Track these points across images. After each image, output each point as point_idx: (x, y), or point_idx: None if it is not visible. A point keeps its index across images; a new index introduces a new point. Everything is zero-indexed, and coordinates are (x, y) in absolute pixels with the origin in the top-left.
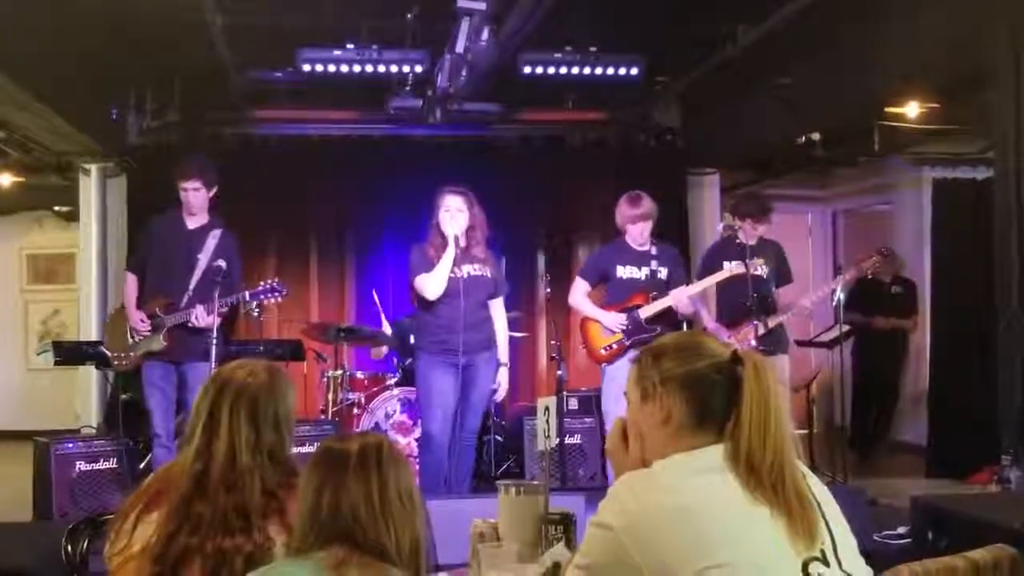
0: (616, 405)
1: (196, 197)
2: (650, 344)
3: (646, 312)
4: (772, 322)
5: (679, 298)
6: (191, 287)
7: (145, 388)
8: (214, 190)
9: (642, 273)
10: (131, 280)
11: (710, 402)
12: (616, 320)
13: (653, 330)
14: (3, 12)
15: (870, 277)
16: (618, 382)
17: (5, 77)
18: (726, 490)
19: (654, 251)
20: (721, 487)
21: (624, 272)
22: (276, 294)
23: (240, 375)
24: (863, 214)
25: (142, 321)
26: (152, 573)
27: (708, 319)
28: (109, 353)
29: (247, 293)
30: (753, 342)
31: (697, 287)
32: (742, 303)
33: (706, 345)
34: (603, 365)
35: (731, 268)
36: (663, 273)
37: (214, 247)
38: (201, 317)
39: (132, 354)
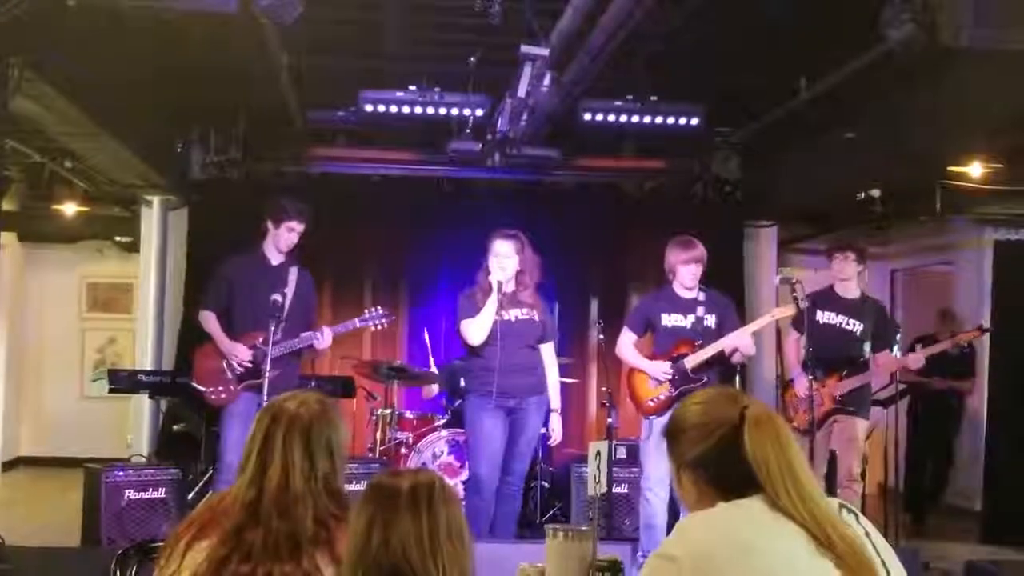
0: (659, 458)
1: (295, 239)
2: (672, 418)
3: (692, 361)
4: (858, 382)
5: (727, 344)
6: (283, 319)
7: (227, 418)
8: None
9: (688, 321)
10: (212, 318)
11: (730, 474)
12: (661, 369)
13: (699, 379)
14: (75, 44)
15: (926, 336)
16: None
17: (74, 108)
18: (790, 534)
19: (701, 297)
20: (784, 530)
21: (669, 320)
22: (384, 319)
23: (292, 405)
24: (922, 273)
25: (244, 355)
26: None
27: (795, 365)
28: (203, 388)
29: (357, 320)
30: (837, 398)
31: (748, 328)
32: (821, 356)
33: (716, 415)
34: (649, 417)
35: (776, 312)
36: (711, 320)
37: (295, 282)
38: (327, 338)
39: (232, 388)
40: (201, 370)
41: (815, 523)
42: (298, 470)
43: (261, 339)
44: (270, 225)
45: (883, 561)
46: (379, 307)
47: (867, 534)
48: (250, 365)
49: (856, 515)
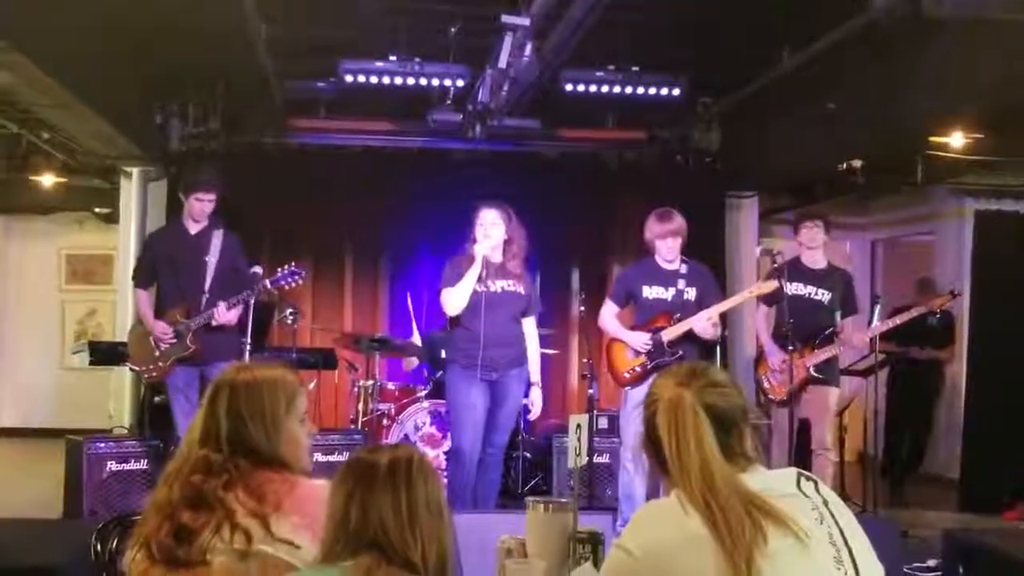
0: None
1: (208, 207)
2: None
3: (668, 335)
4: (829, 352)
5: (698, 322)
6: (206, 288)
7: (170, 393)
8: None
9: (668, 293)
10: (142, 295)
11: (659, 453)
12: (641, 340)
13: (675, 353)
14: (51, 15)
15: (904, 307)
16: (639, 407)
17: (51, 79)
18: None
19: (683, 270)
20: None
21: (650, 292)
22: (296, 277)
23: (227, 372)
24: (903, 243)
25: (164, 332)
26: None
27: (767, 339)
28: (137, 368)
29: (267, 281)
30: (811, 368)
31: (714, 310)
32: (784, 329)
33: (654, 391)
34: (626, 388)
35: (755, 288)
36: (691, 293)
37: (220, 247)
38: (221, 314)
39: (160, 364)
40: (133, 349)
41: (713, 495)
42: (198, 432)
43: (182, 311)
44: (181, 195)
45: (841, 531)
46: (292, 264)
47: (826, 503)
48: (174, 341)
49: (815, 483)
